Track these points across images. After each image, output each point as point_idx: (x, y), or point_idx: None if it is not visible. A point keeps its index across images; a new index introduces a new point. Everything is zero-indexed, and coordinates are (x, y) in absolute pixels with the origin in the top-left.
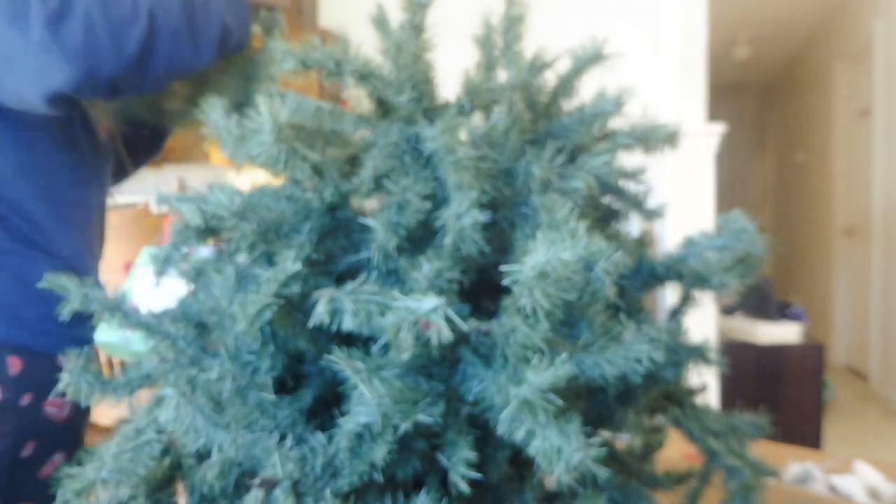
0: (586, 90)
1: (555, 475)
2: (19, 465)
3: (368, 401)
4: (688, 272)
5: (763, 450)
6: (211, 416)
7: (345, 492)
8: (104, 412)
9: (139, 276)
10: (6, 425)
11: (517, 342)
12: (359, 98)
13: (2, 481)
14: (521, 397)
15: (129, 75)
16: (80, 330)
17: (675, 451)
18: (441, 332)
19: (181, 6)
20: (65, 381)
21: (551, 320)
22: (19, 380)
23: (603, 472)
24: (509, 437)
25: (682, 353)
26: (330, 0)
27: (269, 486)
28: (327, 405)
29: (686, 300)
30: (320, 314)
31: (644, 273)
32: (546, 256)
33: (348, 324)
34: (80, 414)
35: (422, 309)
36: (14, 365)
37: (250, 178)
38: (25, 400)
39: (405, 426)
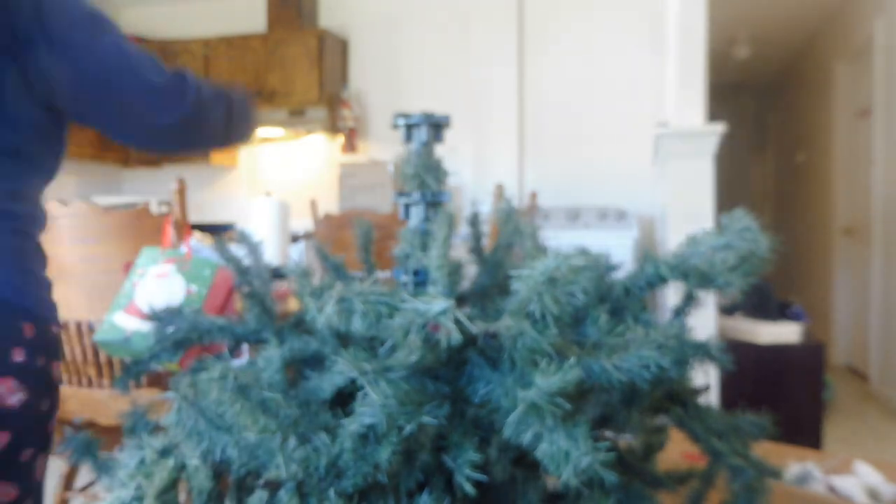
0: (583, 89)
1: (562, 478)
2: (40, 418)
3: (374, 402)
4: (692, 272)
5: (763, 450)
6: (213, 419)
7: (349, 492)
8: (104, 412)
9: (139, 276)
10: (27, 383)
11: (525, 346)
12: (358, 97)
13: (32, 433)
14: (529, 401)
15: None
16: (53, 299)
17: (675, 451)
18: (450, 335)
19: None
20: None
21: (560, 325)
22: (34, 343)
23: (610, 476)
24: (516, 440)
25: (687, 351)
26: (330, 0)
27: (274, 486)
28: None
29: (690, 299)
30: (330, 315)
31: (648, 272)
32: (556, 262)
33: (357, 325)
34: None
35: (431, 311)
36: (28, 330)
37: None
38: (40, 361)
39: (410, 428)
